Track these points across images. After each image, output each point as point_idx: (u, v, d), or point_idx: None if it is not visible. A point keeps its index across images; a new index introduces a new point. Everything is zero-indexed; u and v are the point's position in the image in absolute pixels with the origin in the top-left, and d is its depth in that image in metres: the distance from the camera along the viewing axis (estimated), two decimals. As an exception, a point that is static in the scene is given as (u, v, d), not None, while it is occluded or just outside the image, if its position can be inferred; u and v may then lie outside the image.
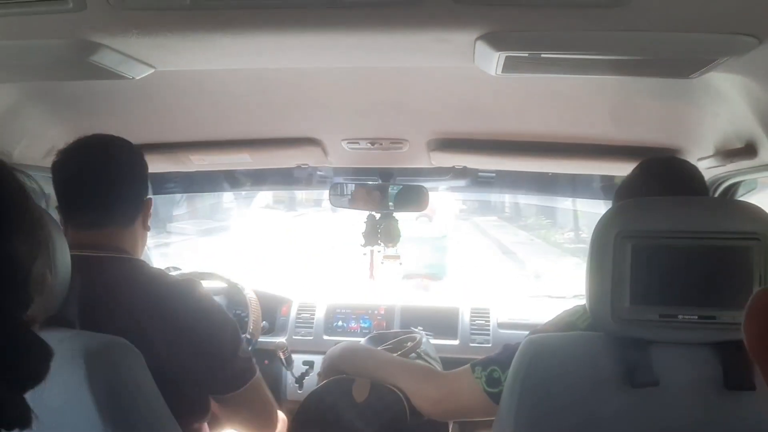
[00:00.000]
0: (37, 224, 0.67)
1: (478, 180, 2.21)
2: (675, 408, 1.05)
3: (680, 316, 1.06)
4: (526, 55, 0.88)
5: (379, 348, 1.63)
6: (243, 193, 7.75)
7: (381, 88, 1.52)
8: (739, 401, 1.04)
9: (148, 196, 1.39)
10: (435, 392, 1.38)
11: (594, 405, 1.07)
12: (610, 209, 1.11)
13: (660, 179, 1.30)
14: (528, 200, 11.36)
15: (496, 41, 0.87)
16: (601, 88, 1.44)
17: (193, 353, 1.29)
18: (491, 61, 0.94)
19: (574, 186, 2.27)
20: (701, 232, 1.04)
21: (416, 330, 1.78)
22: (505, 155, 1.81)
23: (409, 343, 1.64)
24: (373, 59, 1.13)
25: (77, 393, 1.08)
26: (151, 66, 1.09)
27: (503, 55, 0.90)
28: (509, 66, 0.95)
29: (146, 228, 1.40)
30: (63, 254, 0.99)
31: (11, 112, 1.44)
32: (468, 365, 1.36)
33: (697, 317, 1.05)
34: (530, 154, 1.80)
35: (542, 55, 0.88)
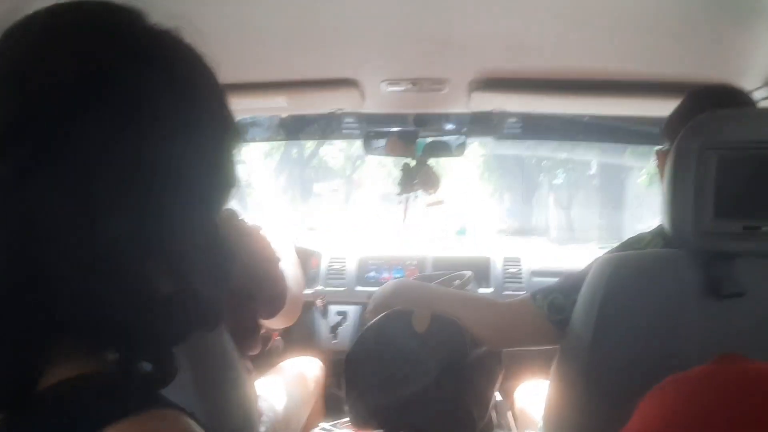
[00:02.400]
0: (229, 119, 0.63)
1: (508, 131, 2.19)
2: (761, 318, 1.04)
3: (764, 227, 1.05)
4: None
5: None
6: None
7: (424, 23, 1.48)
8: None
9: None
10: (497, 320, 1.37)
11: (678, 319, 1.06)
12: (692, 122, 1.08)
13: (716, 102, 1.28)
14: (585, 217, 10.78)
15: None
16: (649, 22, 1.41)
17: (243, 282, 1.35)
18: None
19: (611, 132, 2.25)
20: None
21: (464, 271, 1.76)
22: (548, 94, 1.78)
23: (457, 282, 1.62)
24: None
25: None
26: None
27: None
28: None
29: None
30: None
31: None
32: (527, 294, 1.35)
33: (781, 228, 1.04)
34: (572, 93, 1.77)
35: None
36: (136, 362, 0.50)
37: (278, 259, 1.50)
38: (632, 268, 1.10)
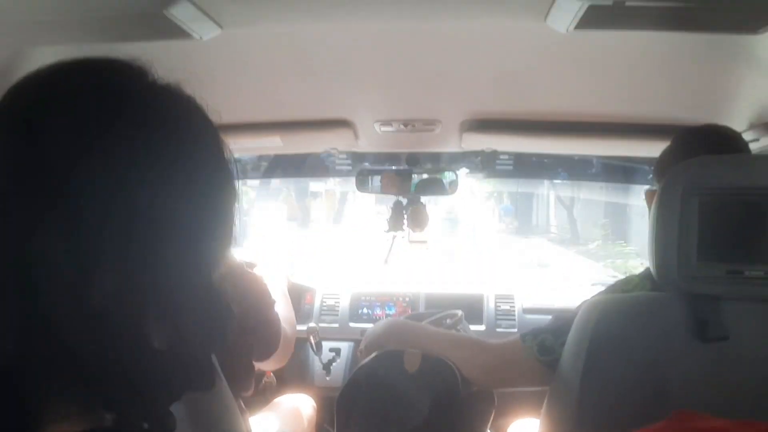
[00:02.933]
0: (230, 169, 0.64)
1: (499, 167, 2.23)
2: (745, 362, 1.06)
3: (747, 272, 1.07)
4: (611, 3, 0.89)
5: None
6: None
7: (416, 66, 1.52)
8: None
9: None
10: (486, 361, 1.38)
11: (663, 362, 1.08)
12: (676, 167, 1.12)
13: (703, 143, 1.30)
14: (589, 215, 10.53)
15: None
16: (639, 65, 1.46)
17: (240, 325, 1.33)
18: (570, 13, 0.95)
19: (602, 169, 2.29)
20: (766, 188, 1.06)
21: (455, 310, 1.78)
22: (538, 136, 1.82)
23: (448, 320, 1.63)
24: (440, 16, 1.13)
25: None
26: (219, 26, 1.08)
27: (587, 4, 0.91)
28: (587, 20, 0.96)
29: None
30: None
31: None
32: (517, 335, 1.37)
33: (763, 273, 1.06)
34: (562, 135, 1.81)
35: (627, 4, 0.89)
36: (134, 421, 0.50)
37: (273, 302, 1.52)
38: (619, 312, 1.12)
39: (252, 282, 1.46)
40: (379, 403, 1.36)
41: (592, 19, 0.96)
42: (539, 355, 1.30)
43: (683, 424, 0.80)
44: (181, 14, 0.99)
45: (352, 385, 1.40)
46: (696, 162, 1.10)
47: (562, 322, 1.29)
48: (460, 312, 1.65)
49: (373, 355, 1.41)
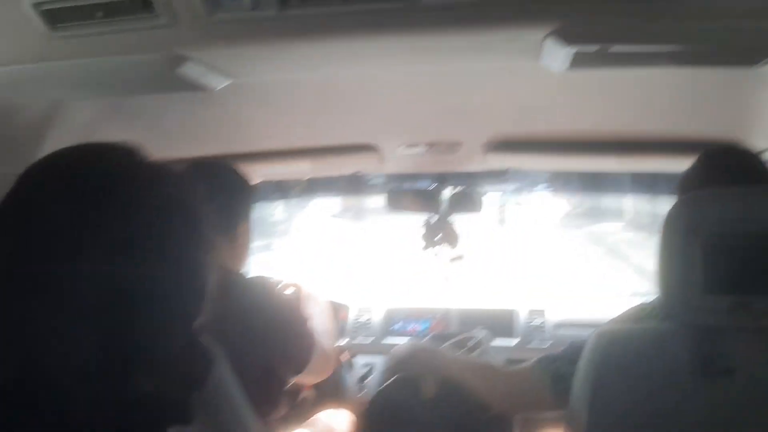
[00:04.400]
0: (206, 239, 0.69)
1: (528, 182, 2.24)
2: (751, 395, 1.05)
3: (753, 304, 1.06)
4: (596, 49, 0.91)
5: (441, 347, 1.66)
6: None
7: (439, 92, 1.55)
8: None
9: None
10: (502, 388, 1.40)
11: (669, 395, 1.08)
12: (678, 201, 1.12)
13: (721, 169, 1.30)
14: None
15: (566, 36, 0.90)
16: (661, 82, 1.44)
17: (264, 348, 1.42)
18: (559, 57, 0.97)
19: (623, 184, 2.27)
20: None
21: (478, 331, 1.80)
22: (561, 155, 1.82)
23: (470, 343, 1.66)
24: (443, 60, 1.17)
25: None
26: (229, 77, 1.15)
27: (572, 50, 0.93)
28: (577, 61, 0.98)
29: (235, 248, 1.53)
30: None
31: (87, 129, 1.52)
32: (533, 361, 1.38)
33: (769, 305, 1.05)
34: (586, 153, 1.81)
35: (611, 50, 0.90)
36: None
37: (305, 319, 1.57)
38: (625, 345, 1.13)
39: (282, 300, 1.53)
40: (397, 428, 1.40)
41: (582, 61, 0.98)
42: (553, 383, 1.32)
43: None
44: (191, 73, 1.06)
45: (371, 409, 1.45)
46: (697, 197, 1.10)
47: (577, 348, 1.30)
48: (483, 333, 1.68)
49: (392, 379, 1.46)
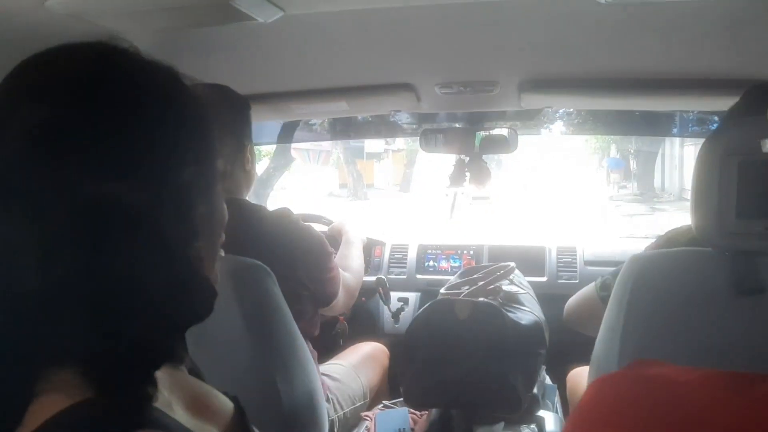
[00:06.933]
0: (211, 156, 0.65)
1: (563, 123, 2.26)
2: None
3: (785, 228, 1.11)
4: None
5: (472, 276, 1.74)
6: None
7: (475, 29, 1.57)
8: None
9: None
10: (570, 303, 1.64)
11: (701, 316, 1.14)
12: (716, 128, 1.15)
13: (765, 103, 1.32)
14: None
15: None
16: (703, 20, 1.44)
17: (298, 273, 1.53)
18: None
19: (663, 124, 2.27)
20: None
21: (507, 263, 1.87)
22: (598, 94, 1.84)
23: (501, 271, 1.73)
24: None
25: (226, 309, 1.23)
26: (281, 9, 1.19)
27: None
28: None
29: (246, 171, 1.58)
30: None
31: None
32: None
33: (802, 229, 1.10)
34: (625, 92, 1.82)
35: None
36: (120, 390, 0.53)
37: (330, 253, 1.65)
38: (658, 268, 1.19)
39: (307, 235, 1.59)
40: (435, 348, 1.49)
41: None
42: (599, 291, 1.46)
43: (636, 371, 0.88)
44: (245, 2, 1.11)
45: (411, 332, 1.53)
46: (735, 124, 1.13)
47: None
48: (511, 264, 1.75)
49: (428, 305, 1.54)
